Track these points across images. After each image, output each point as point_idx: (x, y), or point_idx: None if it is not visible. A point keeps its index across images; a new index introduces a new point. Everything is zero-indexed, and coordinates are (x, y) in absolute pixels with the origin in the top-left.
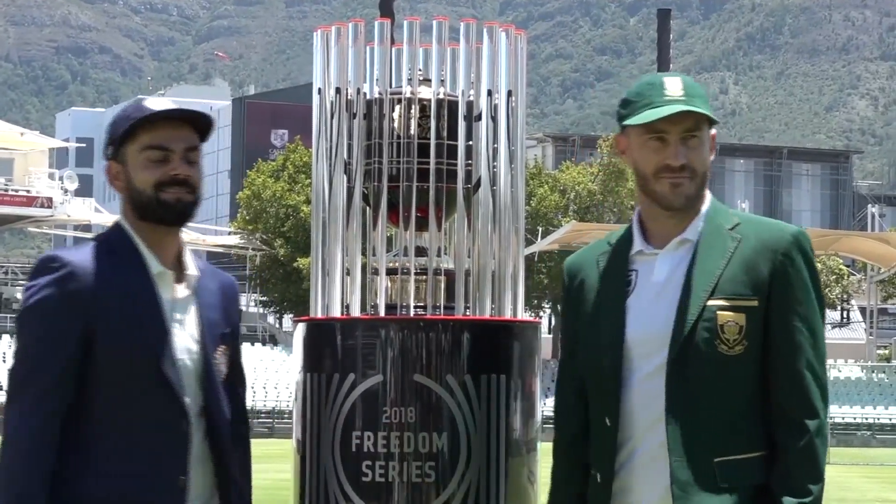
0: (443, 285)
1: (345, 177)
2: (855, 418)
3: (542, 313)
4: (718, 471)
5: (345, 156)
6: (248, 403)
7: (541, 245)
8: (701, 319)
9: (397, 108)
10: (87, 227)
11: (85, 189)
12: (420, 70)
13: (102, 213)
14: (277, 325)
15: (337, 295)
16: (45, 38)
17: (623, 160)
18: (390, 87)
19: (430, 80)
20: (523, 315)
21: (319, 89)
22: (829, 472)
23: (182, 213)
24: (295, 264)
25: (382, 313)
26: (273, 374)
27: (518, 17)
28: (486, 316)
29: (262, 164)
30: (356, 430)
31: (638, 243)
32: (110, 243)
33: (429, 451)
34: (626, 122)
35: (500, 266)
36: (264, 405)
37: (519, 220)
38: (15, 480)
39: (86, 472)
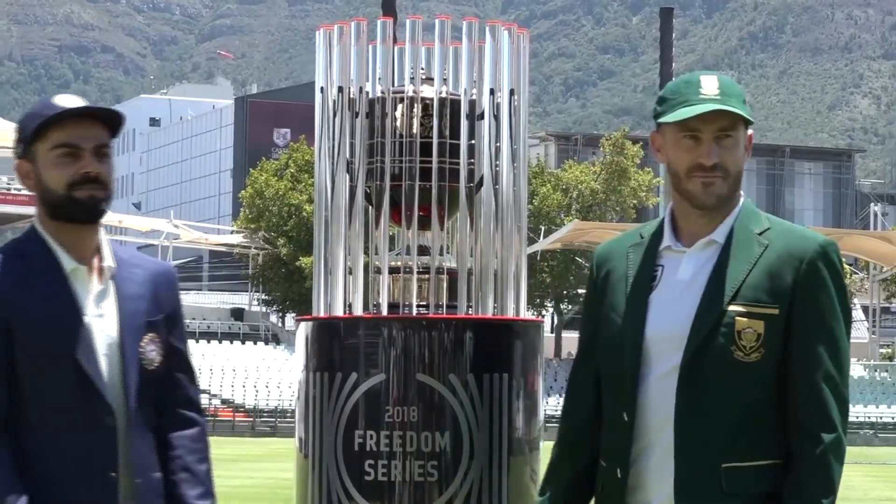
0: (445, 284)
1: (347, 176)
2: (857, 417)
3: (544, 312)
4: (725, 477)
5: (347, 155)
6: (251, 402)
7: (543, 244)
8: (719, 324)
9: (400, 106)
10: None
11: None
12: (422, 69)
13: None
14: (280, 324)
15: (339, 294)
16: (47, 37)
17: (658, 157)
18: (393, 85)
19: (432, 79)
20: (526, 314)
21: (322, 88)
22: None
23: (94, 210)
24: (297, 263)
25: (385, 312)
26: (276, 374)
27: (520, 16)
28: (489, 315)
29: (265, 162)
30: (359, 429)
31: (667, 239)
32: (22, 246)
33: (431, 450)
34: (661, 120)
35: (503, 265)
36: (267, 404)
37: (521, 218)
38: None
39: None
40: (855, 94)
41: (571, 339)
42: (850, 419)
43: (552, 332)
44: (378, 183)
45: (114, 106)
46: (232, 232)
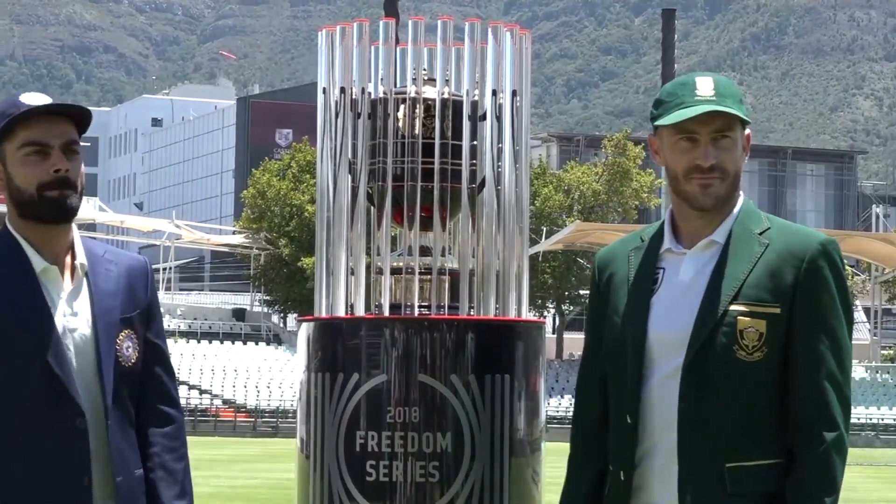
0: (447, 285)
1: (349, 176)
2: (859, 419)
3: (546, 313)
4: (729, 476)
5: (349, 155)
6: (253, 402)
7: (545, 245)
8: (721, 324)
9: (402, 107)
10: (91, 226)
11: (89, 188)
12: (425, 70)
13: (107, 213)
14: (281, 325)
15: (341, 294)
16: (49, 37)
17: (656, 160)
18: (395, 86)
19: (434, 80)
20: (527, 315)
21: (324, 89)
22: None
23: (65, 210)
24: (299, 264)
25: (387, 313)
26: (277, 374)
27: (523, 17)
28: (491, 316)
29: (267, 163)
30: (360, 429)
31: (668, 241)
32: None
33: (433, 450)
34: (657, 123)
35: (505, 266)
36: (268, 405)
37: (523, 219)
38: None
39: None
40: (857, 95)
41: (573, 340)
42: (852, 421)
43: (554, 333)
44: (380, 184)
45: (116, 106)
46: (234, 232)
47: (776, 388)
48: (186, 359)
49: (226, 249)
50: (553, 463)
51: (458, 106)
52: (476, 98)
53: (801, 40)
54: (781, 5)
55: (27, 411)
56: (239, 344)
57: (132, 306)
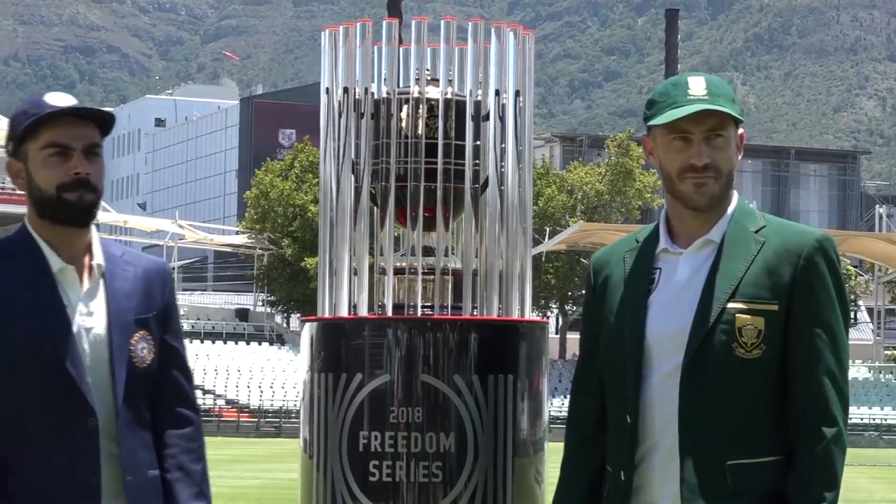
0: (450, 285)
1: (352, 176)
2: (862, 419)
3: (549, 313)
4: (730, 474)
5: (352, 155)
6: (256, 402)
7: (548, 245)
8: (719, 322)
9: (405, 107)
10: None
11: None
12: (428, 70)
13: (110, 213)
14: (285, 325)
15: (344, 294)
16: (53, 38)
17: (650, 160)
18: (398, 86)
19: (437, 80)
20: (530, 315)
21: (327, 89)
22: None
23: (84, 213)
24: (302, 264)
25: (390, 313)
26: (280, 374)
27: (526, 17)
28: (494, 316)
29: (270, 163)
30: (363, 429)
31: (663, 241)
32: (10, 246)
33: (436, 451)
34: (650, 123)
35: (508, 266)
36: (272, 405)
37: (526, 220)
38: None
39: (4, 485)
40: (860, 95)
41: (576, 340)
42: (855, 421)
43: (557, 334)
44: (383, 184)
45: (119, 106)
46: (237, 232)
47: (775, 385)
48: (189, 359)
49: (229, 250)
50: (556, 463)
51: (461, 106)
52: (479, 98)
53: (805, 40)
54: (784, 5)
55: (40, 409)
56: (242, 344)
57: (148, 308)
